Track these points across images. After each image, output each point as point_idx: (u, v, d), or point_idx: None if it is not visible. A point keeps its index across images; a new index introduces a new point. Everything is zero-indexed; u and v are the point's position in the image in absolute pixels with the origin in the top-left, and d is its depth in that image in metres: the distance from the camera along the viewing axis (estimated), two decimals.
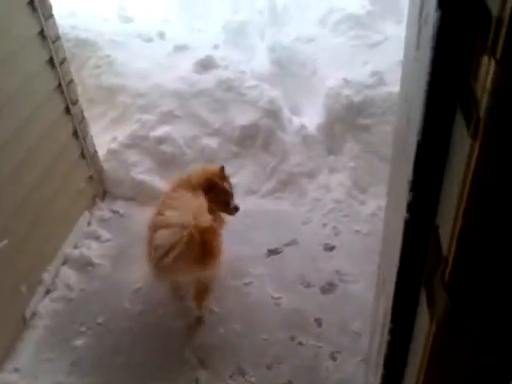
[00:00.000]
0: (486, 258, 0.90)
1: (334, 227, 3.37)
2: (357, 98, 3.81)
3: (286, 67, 4.46)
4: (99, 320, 2.86)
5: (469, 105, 0.88)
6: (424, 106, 1.03)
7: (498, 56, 0.75)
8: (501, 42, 0.74)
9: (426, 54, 1.01)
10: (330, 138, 3.87)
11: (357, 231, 3.32)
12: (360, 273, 3.01)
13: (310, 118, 4.05)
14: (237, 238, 3.37)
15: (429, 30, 0.99)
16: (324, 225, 3.40)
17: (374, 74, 3.93)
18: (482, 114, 0.80)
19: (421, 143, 1.07)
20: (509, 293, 0.92)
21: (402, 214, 1.23)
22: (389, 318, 1.42)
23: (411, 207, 1.16)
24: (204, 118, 4.08)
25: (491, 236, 0.88)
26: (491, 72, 0.77)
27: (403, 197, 1.22)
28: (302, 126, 3.89)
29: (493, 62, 0.76)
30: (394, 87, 3.81)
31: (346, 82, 3.91)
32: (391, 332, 1.42)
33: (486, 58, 0.80)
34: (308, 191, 3.65)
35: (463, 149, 0.90)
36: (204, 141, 3.98)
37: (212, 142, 3.97)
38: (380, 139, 3.67)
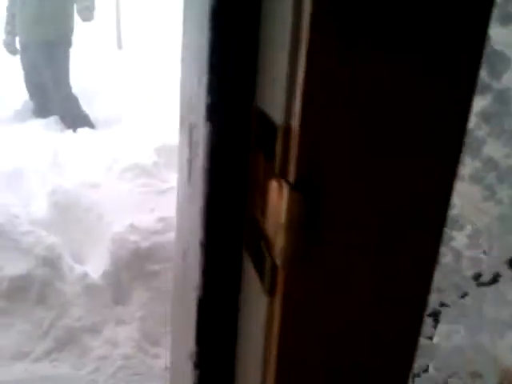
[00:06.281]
0: None
1: None
2: (144, 244, 3.70)
3: (68, 212, 4.17)
4: None
5: (260, 250, 0.62)
6: (202, 257, 0.74)
7: (291, 178, 0.52)
8: (293, 157, 0.52)
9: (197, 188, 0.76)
10: (116, 287, 3.58)
11: None
12: None
13: (95, 265, 3.74)
14: None
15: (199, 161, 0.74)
16: None
17: (161, 220, 3.92)
18: (278, 260, 0.56)
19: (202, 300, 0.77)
20: None
21: None
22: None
23: None
24: None
25: None
26: (285, 199, 0.52)
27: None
28: (85, 275, 3.53)
29: (285, 187, 0.53)
30: None
31: (133, 227, 3.80)
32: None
33: (274, 184, 0.55)
34: (91, 349, 3.19)
35: (258, 309, 0.63)
36: None
37: None
38: (169, 285, 3.54)
